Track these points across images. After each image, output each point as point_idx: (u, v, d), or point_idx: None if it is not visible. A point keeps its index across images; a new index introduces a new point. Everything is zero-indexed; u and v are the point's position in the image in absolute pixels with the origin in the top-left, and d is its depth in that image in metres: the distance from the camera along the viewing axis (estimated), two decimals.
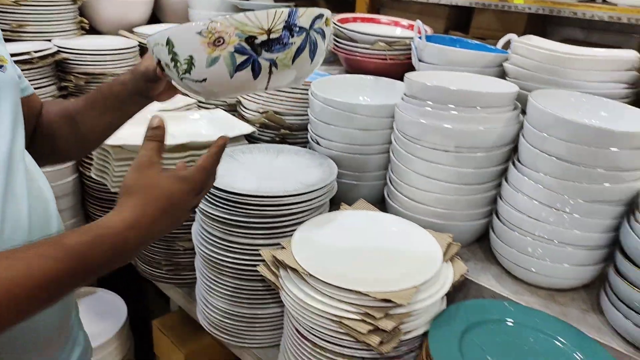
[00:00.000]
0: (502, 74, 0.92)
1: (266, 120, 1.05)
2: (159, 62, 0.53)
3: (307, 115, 1.01)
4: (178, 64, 0.50)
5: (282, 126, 1.05)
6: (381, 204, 0.93)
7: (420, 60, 1.01)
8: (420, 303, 0.66)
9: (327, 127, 0.95)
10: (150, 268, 1.05)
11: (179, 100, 1.22)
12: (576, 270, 0.74)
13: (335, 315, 0.65)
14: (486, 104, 0.78)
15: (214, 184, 0.80)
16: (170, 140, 0.98)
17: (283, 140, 1.06)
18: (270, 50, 0.48)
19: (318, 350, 0.70)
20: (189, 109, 1.20)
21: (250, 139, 1.09)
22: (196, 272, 0.92)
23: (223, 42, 0.47)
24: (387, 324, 0.63)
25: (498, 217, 0.80)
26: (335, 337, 0.67)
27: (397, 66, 1.10)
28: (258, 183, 0.85)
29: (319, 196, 0.83)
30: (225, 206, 0.81)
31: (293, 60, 0.50)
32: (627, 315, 0.66)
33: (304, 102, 1.04)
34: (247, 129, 1.05)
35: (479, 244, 0.87)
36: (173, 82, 0.55)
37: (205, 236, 0.85)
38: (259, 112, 1.07)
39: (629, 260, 0.66)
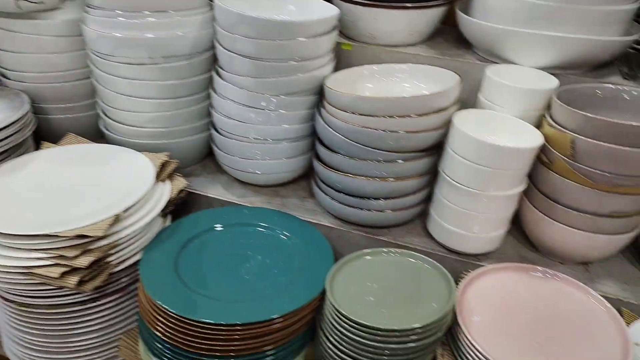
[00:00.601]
0: None
1: None
2: None
3: None
4: None
5: None
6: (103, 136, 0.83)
7: None
8: (127, 229, 0.62)
9: (13, 56, 0.78)
10: None
11: None
12: (291, 162, 0.78)
13: (25, 267, 0.57)
14: (178, 7, 0.72)
15: None
16: None
17: None
18: None
19: (26, 309, 0.62)
20: None
21: None
22: None
23: None
24: (83, 261, 0.57)
25: (215, 128, 0.78)
26: (39, 291, 0.59)
27: None
28: None
29: (2, 139, 0.69)
30: None
31: None
32: (331, 196, 0.73)
33: None
34: None
35: (212, 157, 0.86)
36: None
37: None
38: None
39: (322, 145, 0.72)
